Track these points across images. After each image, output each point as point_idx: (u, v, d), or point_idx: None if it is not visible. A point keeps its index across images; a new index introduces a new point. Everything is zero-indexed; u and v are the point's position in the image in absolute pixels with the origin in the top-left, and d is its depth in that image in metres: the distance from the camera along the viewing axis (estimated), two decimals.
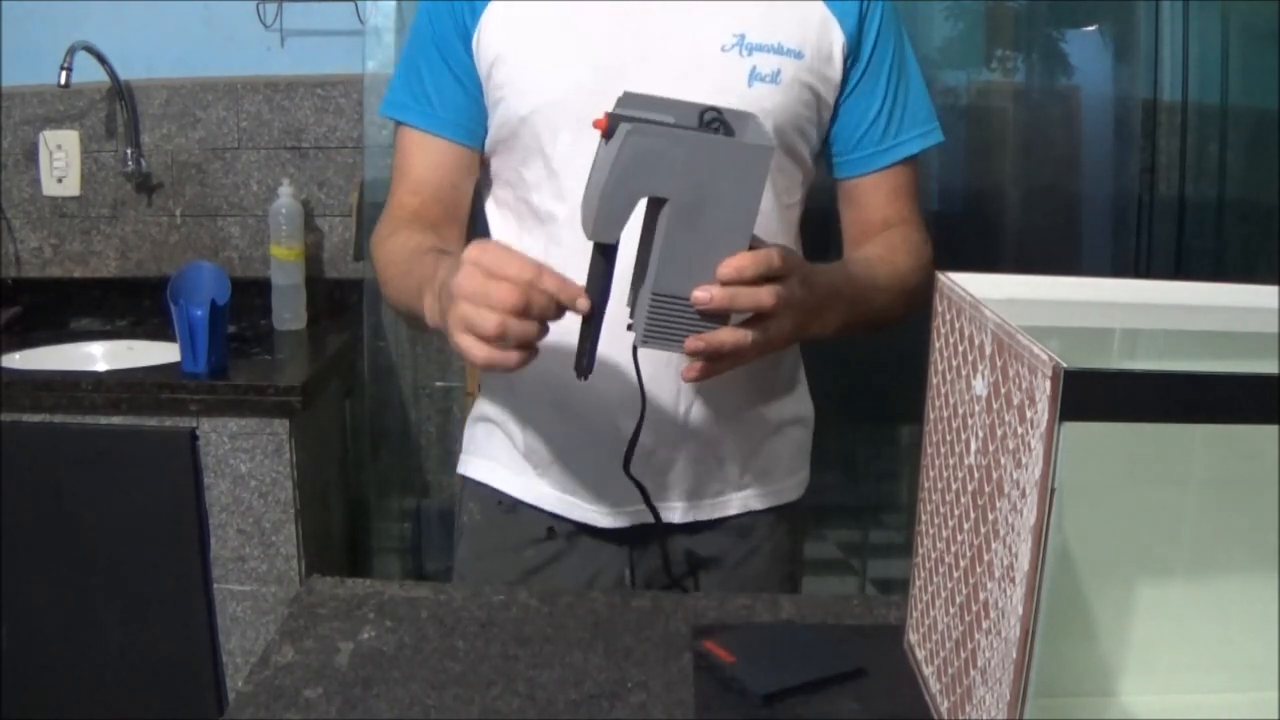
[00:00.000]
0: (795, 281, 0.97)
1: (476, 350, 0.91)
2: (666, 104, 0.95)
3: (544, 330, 0.92)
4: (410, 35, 1.23)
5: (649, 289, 0.92)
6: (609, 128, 0.90)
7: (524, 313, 0.89)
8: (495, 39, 1.14)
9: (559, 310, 0.91)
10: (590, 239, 0.92)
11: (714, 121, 0.93)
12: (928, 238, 1.24)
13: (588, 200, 0.92)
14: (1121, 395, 0.59)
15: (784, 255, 0.95)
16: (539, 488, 1.23)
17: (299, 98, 2.28)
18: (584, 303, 0.91)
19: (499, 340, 0.90)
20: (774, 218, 1.17)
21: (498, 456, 1.27)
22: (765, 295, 0.93)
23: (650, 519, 1.18)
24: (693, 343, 0.93)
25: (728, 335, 0.94)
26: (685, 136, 0.90)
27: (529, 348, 0.92)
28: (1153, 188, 2.21)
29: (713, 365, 0.96)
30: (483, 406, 1.29)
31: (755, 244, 0.94)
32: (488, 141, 1.20)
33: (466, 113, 1.19)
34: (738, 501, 1.25)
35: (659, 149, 0.89)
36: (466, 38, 1.16)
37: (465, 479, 1.31)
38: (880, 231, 1.23)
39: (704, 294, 0.91)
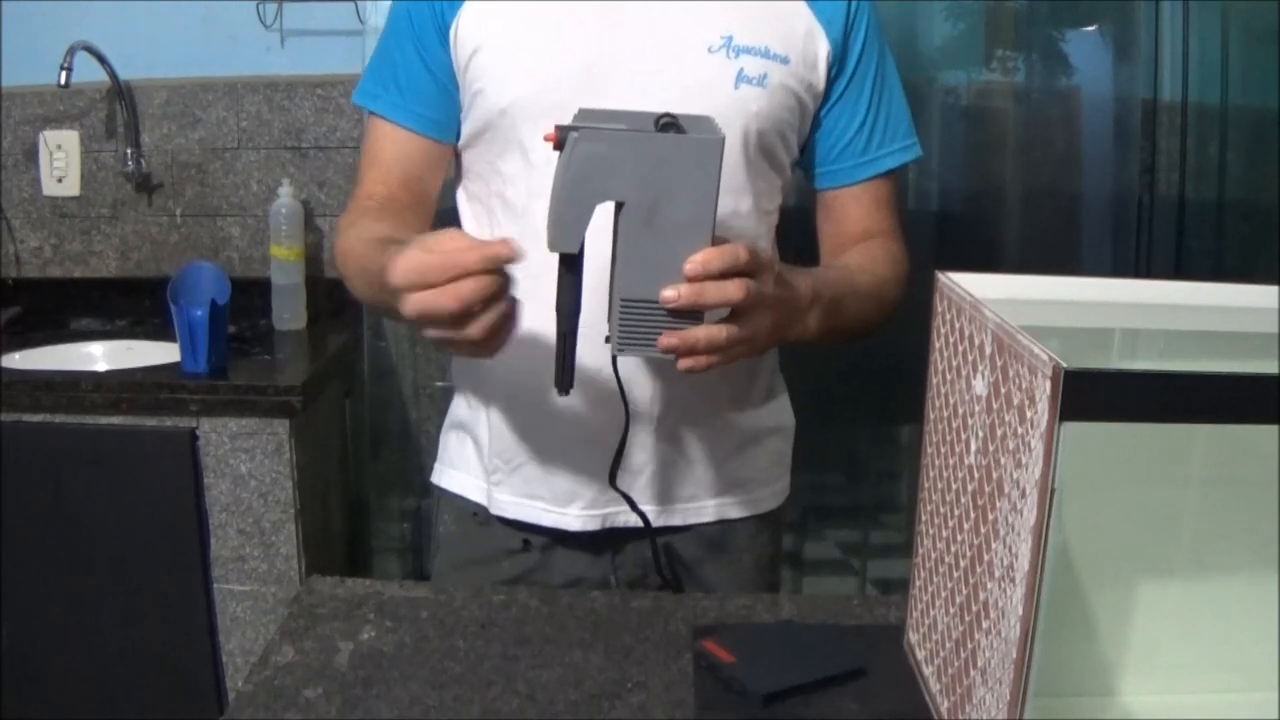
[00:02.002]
0: (768, 279, 0.96)
1: (472, 330, 0.89)
2: (622, 115, 0.95)
3: (504, 279, 0.89)
4: (386, 25, 1.21)
5: (617, 296, 0.92)
6: (559, 140, 0.90)
7: (465, 273, 0.87)
8: (475, 30, 1.13)
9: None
10: (551, 250, 0.91)
11: (669, 126, 0.92)
12: (906, 250, 1.24)
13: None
14: (1121, 395, 0.59)
15: (753, 251, 0.93)
16: (511, 498, 1.21)
17: (299, 98, 2.28)
18: (505, 250, 0.88)
19: (469, 316, 0.88)
20: (754, 223, 1.17)
21: (470, 468, 1.26)
22: (734, 289, 0.92)
23: (622, 522, 1.18)
24: (666, 339, 0.92)
25: (702, 331, 0.92)
26: (633, 137, 0.89)
27: (504, 316, 0.90)
28: (1153, 188, 2.20)
29: (700, 359, 0.94)
30: (457, 411, 1.28)
31: (720, 242, 0.93)
32: (463, 135, 1.19)
33: (438, 106, 1.18)
34: (713, 508, 1.24)
35: (608, 153, 0.89)
36: (444, 30, 1.15)
37: (440, 489, 1.30)
38: (859, 243, 1.22)
39: (671, 292, 0.90)
